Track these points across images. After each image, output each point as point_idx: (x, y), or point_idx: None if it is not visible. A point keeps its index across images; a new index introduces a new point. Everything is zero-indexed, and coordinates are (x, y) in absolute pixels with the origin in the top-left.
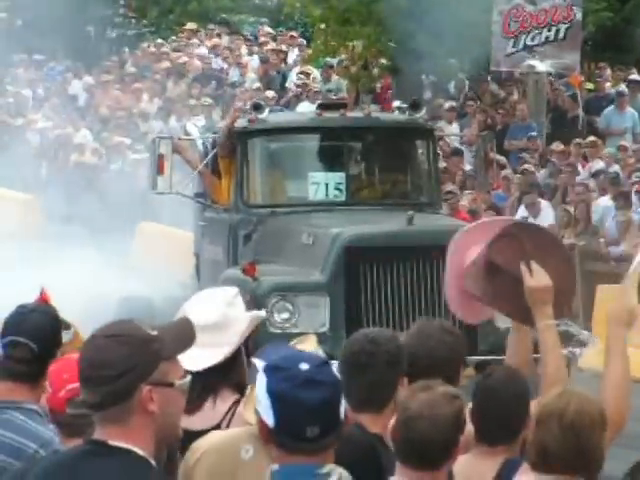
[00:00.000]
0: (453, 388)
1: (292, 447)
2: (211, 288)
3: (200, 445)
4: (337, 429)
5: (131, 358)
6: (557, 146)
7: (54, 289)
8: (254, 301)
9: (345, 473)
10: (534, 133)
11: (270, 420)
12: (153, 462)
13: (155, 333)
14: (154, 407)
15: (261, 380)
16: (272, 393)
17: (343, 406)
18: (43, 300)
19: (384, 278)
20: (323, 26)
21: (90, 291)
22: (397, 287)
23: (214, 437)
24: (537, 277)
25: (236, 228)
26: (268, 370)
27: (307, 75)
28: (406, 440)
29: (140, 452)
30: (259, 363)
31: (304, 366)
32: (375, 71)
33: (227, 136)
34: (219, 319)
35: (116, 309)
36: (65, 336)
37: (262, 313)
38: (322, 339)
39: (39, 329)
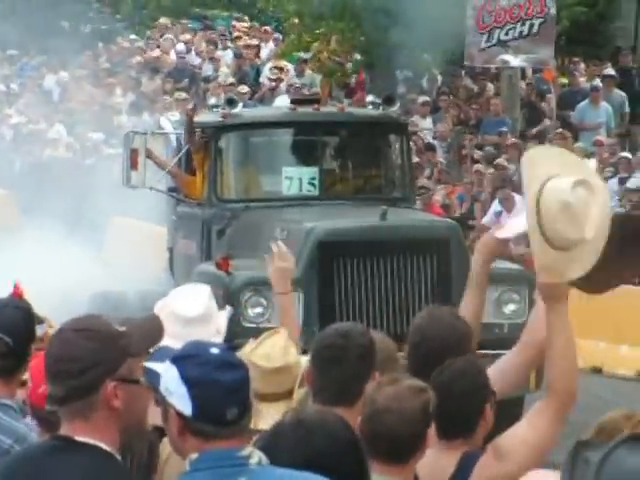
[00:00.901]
0: (420, 381)
1: (211, 433)
2: (185, 284)
3: None
4: (250, 411)
5: (98, 353)
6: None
7: (28, 284)
8: (227, 296)
9: (264, 456)
10: (505, 128)
11: (187, 409)
12: (119, 457)
13: (123, 329)
14: (118, 403)
15: (171, 372)
16: (188, 380)
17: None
18: (17, 295)
19: (357, 273)
20: (297, 21)
21: (63, 286)
22: (371, 282)
23: None
24: None
25: (209, 223)
26: (178, 360)
27: (280, 70)
28: (374, 434)
29: (105, 447)
30: (158, 365)
31: (215, 350)
32: (349, 66)
33: (190, 133)
34: (205, 311)
35: (89, 304)
36: (39, 330)
37: (230, 309)
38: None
39: (13, 323)
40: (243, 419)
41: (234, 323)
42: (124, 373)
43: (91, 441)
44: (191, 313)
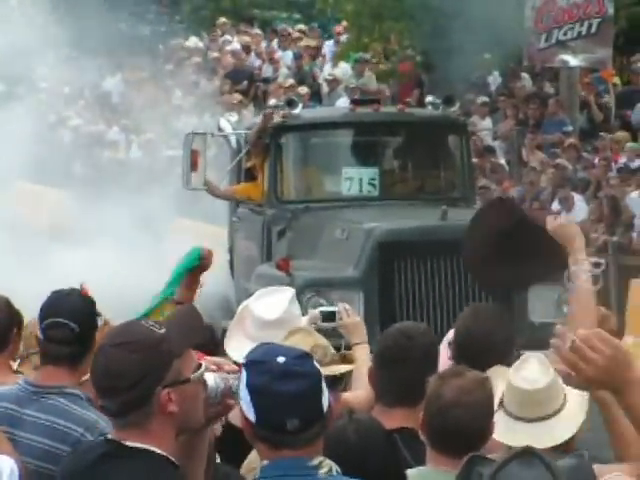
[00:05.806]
0: (481, 372)
1: (275, 441)
2: (248, 285)
3: None
4: (320, 421)
5: (143, 365)
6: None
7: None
8: None
9: (335, 466)
10: (569, 128)
11: (251, 415)
12: (174, 460)
13: (163, 331)
14: (174, 407)
15: (242, 376)
16: (250, 387)
17: (326, 397)
18: (82, 293)
19: (418, 273)
20: (352, 22)
21: (122, 287)
22: (431, 282)
23: None
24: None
25: (270, 224)
26: (248, 365)
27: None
28: (442, 429)
29: (159, 451)
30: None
31: (281, 359)
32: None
33: (259, 137)
34: (282, 316)
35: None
36: (99, 321)
37: (317, 312)
38: None
39: (77, 310)
40: (309, 429)
41: None
42: (173, 376)
43: (143, 445)
44: (268, 316)
